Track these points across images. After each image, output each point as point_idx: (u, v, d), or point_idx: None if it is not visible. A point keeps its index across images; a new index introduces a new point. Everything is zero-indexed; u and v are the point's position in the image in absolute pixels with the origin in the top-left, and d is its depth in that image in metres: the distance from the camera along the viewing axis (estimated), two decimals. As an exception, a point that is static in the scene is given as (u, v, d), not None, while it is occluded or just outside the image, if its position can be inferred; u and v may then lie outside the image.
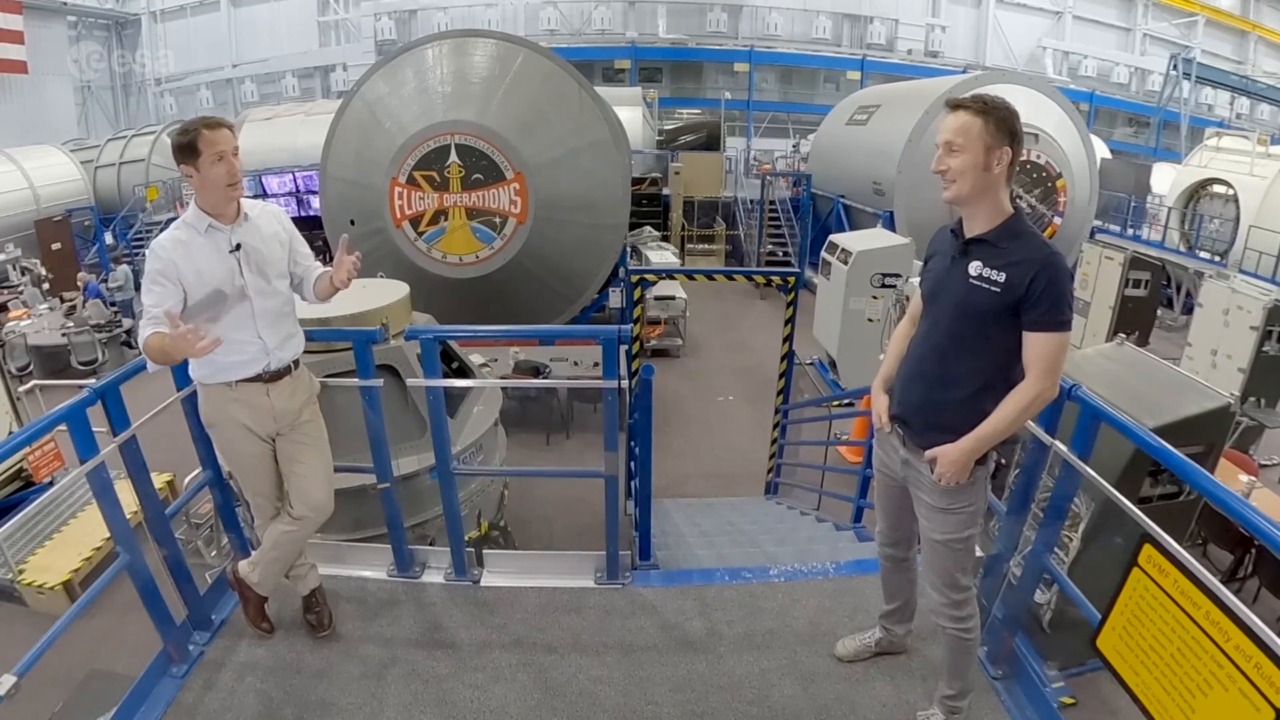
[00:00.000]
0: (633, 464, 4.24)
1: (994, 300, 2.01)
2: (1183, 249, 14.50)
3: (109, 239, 17.25)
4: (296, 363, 2.69)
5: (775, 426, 6.97)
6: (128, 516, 2.49)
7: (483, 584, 3.24)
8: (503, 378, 7.86)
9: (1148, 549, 1.94)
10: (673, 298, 11.45)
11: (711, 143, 18.69)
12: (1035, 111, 11.35)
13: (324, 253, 7.95)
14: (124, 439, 2.48)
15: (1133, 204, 15.90)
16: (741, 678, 2.72)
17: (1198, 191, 14.83)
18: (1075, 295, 7.00)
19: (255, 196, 11.88)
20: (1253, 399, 8.04)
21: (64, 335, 10.50)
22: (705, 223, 16.60)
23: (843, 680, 2.70)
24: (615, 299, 9.87)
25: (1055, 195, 11.95)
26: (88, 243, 17.18)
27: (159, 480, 6.21)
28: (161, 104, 28.20)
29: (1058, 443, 2.38)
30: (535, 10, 25.64)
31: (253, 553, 2.87)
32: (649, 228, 14.30)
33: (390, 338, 3.62)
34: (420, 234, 9.14)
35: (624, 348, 3.12)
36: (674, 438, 8.55)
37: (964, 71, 21.75)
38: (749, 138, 25.31)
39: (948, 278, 2.14)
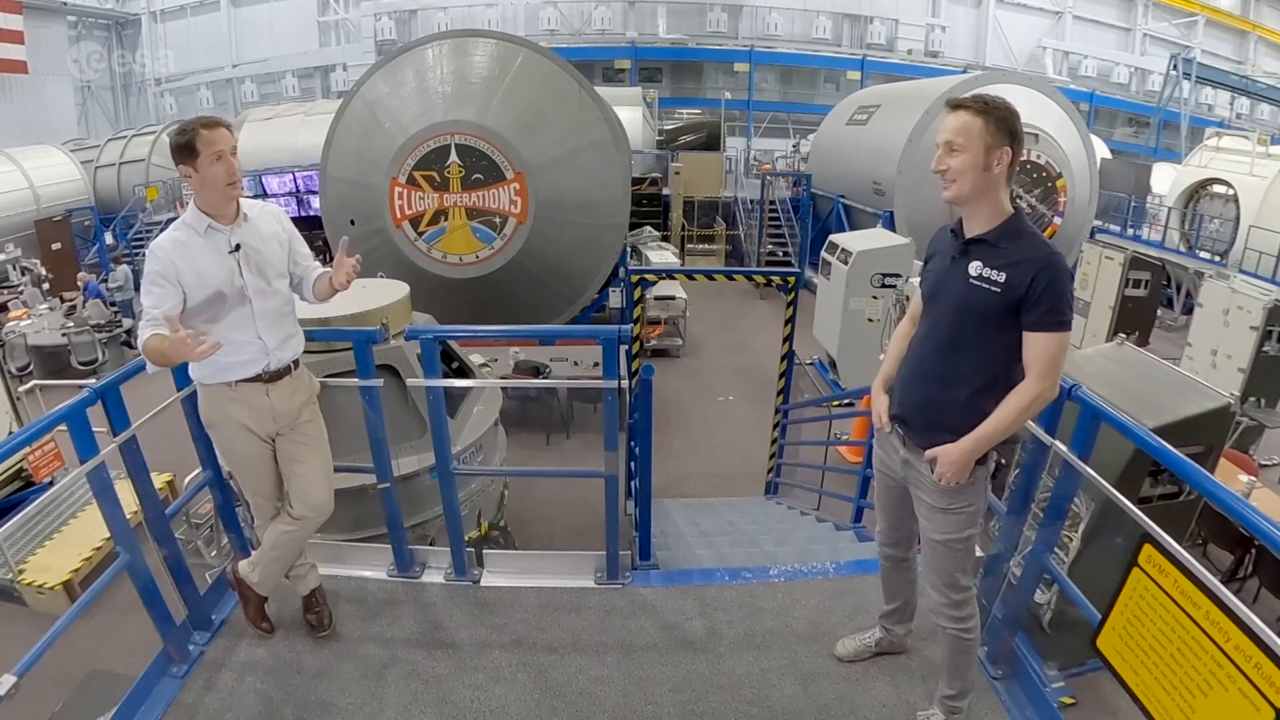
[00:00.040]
0: (633, 464, 4.24)
1: (994, 300, 2.01)
2: (1183, 249, 14.50)
3: (109, 239, 17.25)
4: (296, 363, 2.69)
5: (775, 426, 6.97)
6: (128, 516, 2.49)
7: (483, 584, 3.24)
8: (503, 378, 7.86)
9: (1148, 549, 1.94)
10: (673, 298, 11.45)
11: (711, 143, 18.69)
12: (1035, 111, 11.35)
13: (324, 253, 7.97)
14: (124, 439, 2.48)
15: (1133, 204, 15.90)
16: (741, 678, 2.72)
17: (1198, 191, 14.83)
18: (1075, 295, 6.99)
19: (255, 196, 11.91)
20: (1253, 399, 8.04)
21: (64, 335, 10.50)
22: (705, 223, 16.60)
23: (843, 680, 2.70)
24: (615, 299, 9.88)
25: (1055, 195, 11.95)
26: (88, 243, 17.19)
27: (159, 480, 6.21)
28: (161, 104, 28.20)
29: (1058, 443, 2.38)
30: (535, 10, 25.64)
31: (253, 553, 2.87)
32: (649, 228, 14.31)
33: (390, 338, 3.61)
34: (420, 234, 9.14)
35: (624, 348, 3.12)
36: (674, 438, 8.55)
37: (964, 71, 21.75)
38: (749, 138, 25.30)
39: (948, 278, 2.14)
